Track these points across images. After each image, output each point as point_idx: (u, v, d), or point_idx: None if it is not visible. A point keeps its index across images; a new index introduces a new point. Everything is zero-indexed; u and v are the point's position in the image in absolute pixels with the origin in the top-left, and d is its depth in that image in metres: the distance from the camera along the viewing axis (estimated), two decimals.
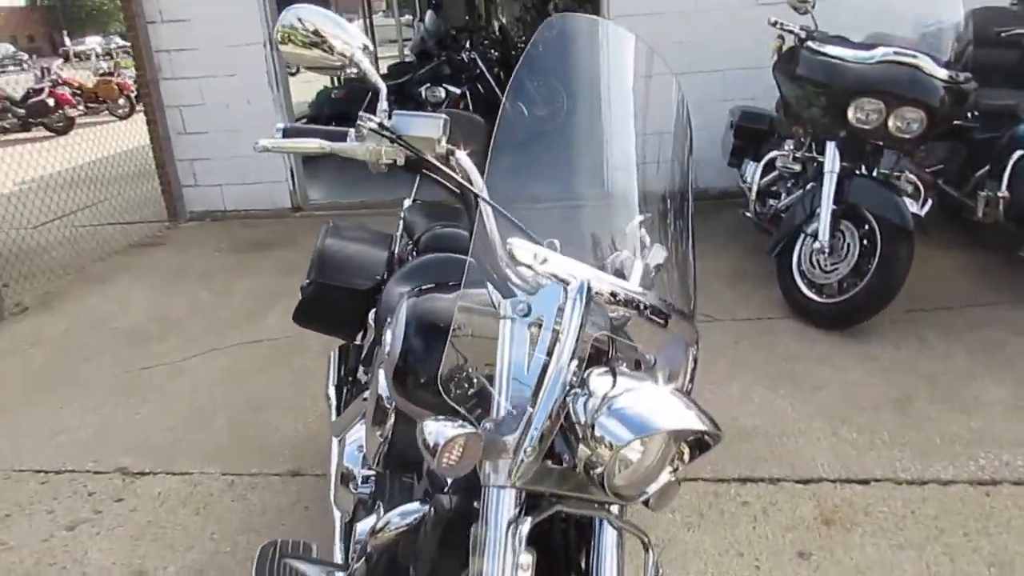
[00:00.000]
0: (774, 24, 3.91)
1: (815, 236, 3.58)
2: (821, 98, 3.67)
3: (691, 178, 1.66)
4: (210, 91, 6.09)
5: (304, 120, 8.15)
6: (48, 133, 13.15)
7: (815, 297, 3.64)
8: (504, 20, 14.93)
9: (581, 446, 1.15)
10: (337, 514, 1.94)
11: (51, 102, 13.12)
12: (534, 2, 13.42)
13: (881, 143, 3.63)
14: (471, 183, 1.23)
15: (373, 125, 1.22)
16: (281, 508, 2.60)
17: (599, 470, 1.14)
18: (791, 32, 3.85)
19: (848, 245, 3.54)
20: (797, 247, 3.74)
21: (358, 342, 2.41)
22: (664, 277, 1.53)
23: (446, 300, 1.42)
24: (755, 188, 4.25)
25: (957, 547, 2.20)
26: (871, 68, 3.51)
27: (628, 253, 1.50)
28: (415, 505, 1.40)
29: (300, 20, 1.27)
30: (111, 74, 15.09)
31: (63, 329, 4.37)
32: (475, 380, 1.23)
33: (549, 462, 1.20)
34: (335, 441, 2.13)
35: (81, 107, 14.07)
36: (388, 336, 1.47)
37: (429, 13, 9.86)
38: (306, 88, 9.38)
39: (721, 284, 4.23)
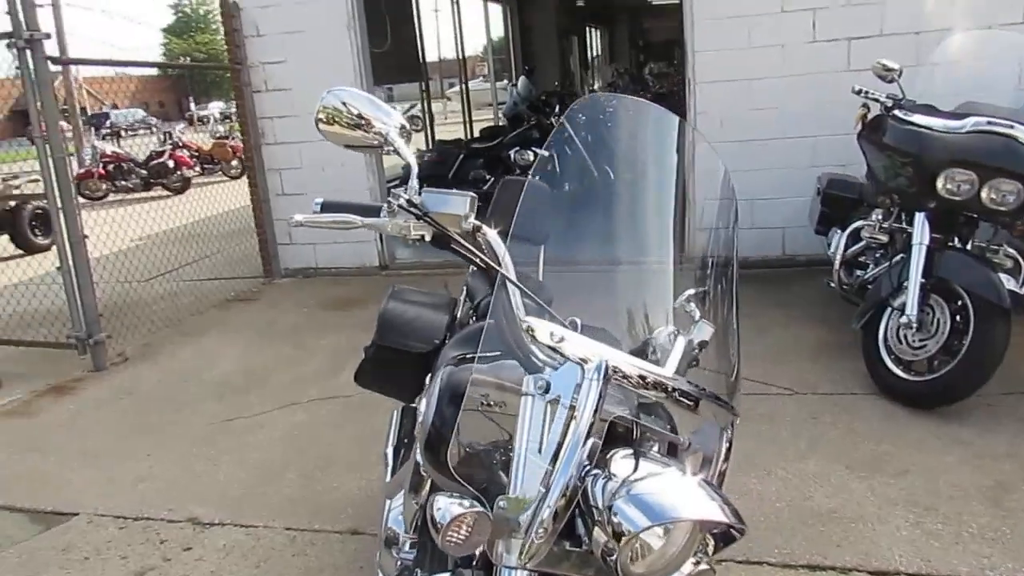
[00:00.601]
0: (858, 92, 3.83)
1: (902, 310, 3.42)
2: (908, 168, 3.54)
3: (736, 254, 1.64)
4: (307, 155, 6.40)
5: (395, 183, 8.44)
6: (166, 192, 14.08)
7: (902, 374, 3.46)
8: (596, 85, 15.17)
9: (597, 529, 1.13)
10: None
11: (171, 164, 14.06)
12: (627, 68, 13.61)
13: (975, 215, 3.46)
14: (497, 260, 1.26)
15: (402, 202, 1.26)
16: (337, 566, 2.62)
17: (615, 556, 1.11)
18: (876, 100, 3.76)
19: (938, 321, 3.36)
20: (884, 321, 3.58)
21: (416, 404, 2.44)
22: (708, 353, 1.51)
23: (494, 370, 1.43)
24: (839, 257, 4.11)
25: None
26: (962, 138, 3.37)
27: (672, 329, 1.48)
28: None
29: (344, 103, 1.33)
30: (226, 137, 16.07)
31: (157, 380, 4.60)
32: (494, 456, 1.23)
33: (567, 544, 1.18)
34: (387, 503, 2.14)
35: (197, 168, 15.02)
36: (422, 405, 1.48)
37: (522, 78, 10.14)
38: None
39: (803, 356, 4.09)
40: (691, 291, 1.62)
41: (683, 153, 1.64)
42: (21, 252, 9.07)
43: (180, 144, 14.85)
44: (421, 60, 11.81)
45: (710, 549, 1.22)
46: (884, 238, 3.82)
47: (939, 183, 3.35)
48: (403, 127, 1.37)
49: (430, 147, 9.51)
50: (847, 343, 3.91)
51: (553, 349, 1.14)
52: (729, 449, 1.40)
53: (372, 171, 6.39)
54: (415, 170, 1.35)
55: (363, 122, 1.34)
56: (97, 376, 4.73)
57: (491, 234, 1.30)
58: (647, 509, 1.09)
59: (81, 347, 4.73)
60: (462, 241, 1.27)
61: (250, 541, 2.83)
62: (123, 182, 14.11)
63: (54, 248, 4.82)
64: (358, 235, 6.45)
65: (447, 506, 1.08)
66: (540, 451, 1.14)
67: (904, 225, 3.71)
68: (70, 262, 4.60)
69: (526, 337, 1.17)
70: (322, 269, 6.64)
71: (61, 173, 4.42)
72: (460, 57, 14.49)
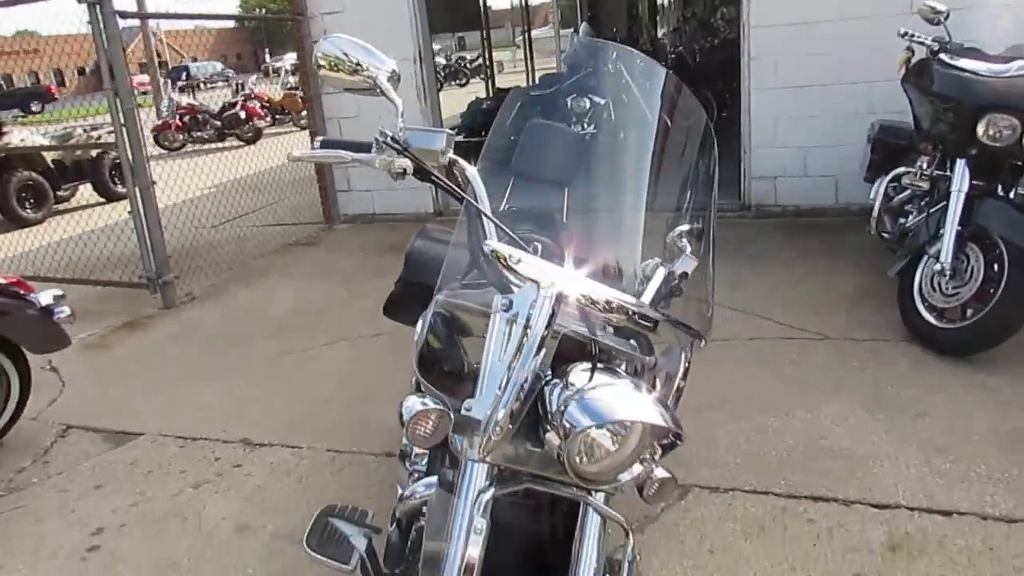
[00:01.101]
0: (904, 35, 3.76)
1: (938, 257, 3.41)
2: (950, 113, 3.48)
3: (715, 195, 1.74)
4: (365, 104, 6.56)
5: (455, 129, 8.57)
6: (239, 143, 14.55)
7: (935, 321, 3.45)
8: (660, 32, 14.88)
9: (551, 431, 1.27)
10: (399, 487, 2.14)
11: (242, 115, 14.50)
12: (694, 12, 13.29)
13: (1019, 163, 3.39)
14: (474, 192, 1.38)
15: (387, 139, 1.40)
16: (371, 483, 2.85)
17: (568, 453, 1.24)
18: (922, 43, 3.68)
19: (973, 269, 3.34)
20: (920, 269, 3.56)
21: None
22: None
23: (472, 295, 1.57)
24: (877, 205, 4.08)
25: None
26: (1006, 82, 3.30)
27: (657, 260, 1.60)
28: (432, 478, 1.56)
29: (343, 50, 1.47)
30: (296, 88, 16.42)
31: (220, 317, 4.92)
32: (466, 366, 1.38)
33: (529, 445, 1.32)
34: None
35: (268, 119, 15.44)
36: (419, 325, 1.64)
37: (583, 25, 10.07)
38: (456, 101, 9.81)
39: (843, 304, 4.10)
40: (684, 227, 1.72)
41: (666, 100, 1.73)
42: (103, 200, 9.62)
43: (252, 95, 15.26)
44: (482, 9, 11.79)
45: (657, 455, 1.35)
46: (925, 185, 3.78)
47: (980, 129, 3.30)
48: (393, 72, 1.50)
49: (490, 95, 9.57)
50: (889, 292, 3.90)
51: (512, 270, 1.27)
52: (688, 369, 1.51)
53: (427, 118, 6.53)
54: (400, 109, 1.48)
55: (359, 67, 1.48)
56: (167, 314, 5.08)
57: (468, 168, 1.42)
58: (592, 411, 1.22)
59: (152, 287, 5.07)
60: (436, 174, 1.41)
61: (294, 460, 3.08)
62: (198, 133, 14.65)
63: None
64: (413, 182, 6.63)
65: (413, 404, 1.23)
66: (500, 361, 1.28)
67: (946, 172, 3.66)
68: (140, 207, 4.91)
69: (489, 259, 1.30)
70: (379, 216, 6.86)
71: (130, 123, 4.70)
72: (524, 4, 14.41)
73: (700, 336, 1.52)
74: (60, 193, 9.33)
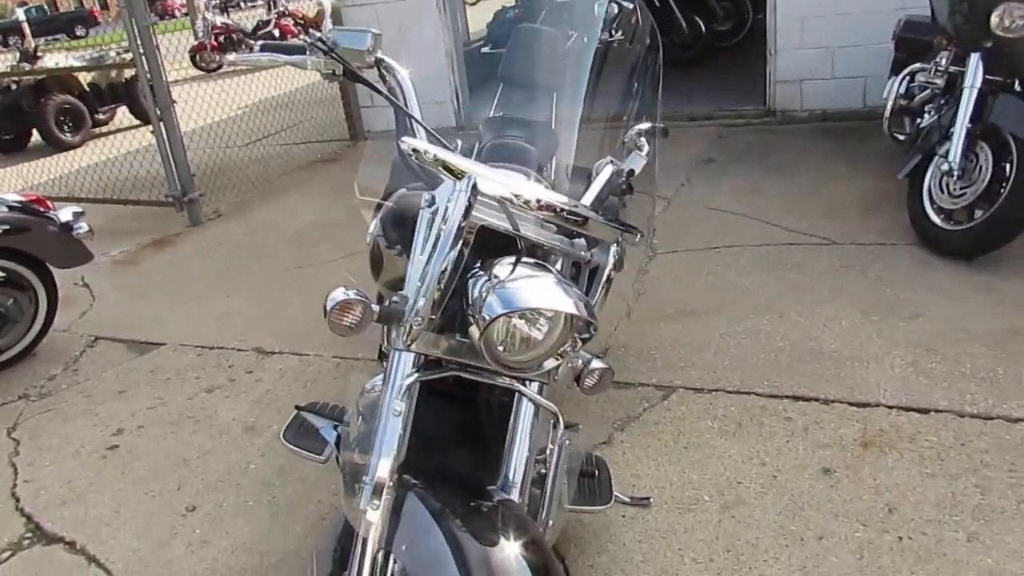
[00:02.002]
0: None
1: (946, 157, 3.31)
2: (964, 3, 3.32)
3: (660, 95, 1.74)
4: (385, 16, 6.50)
5: (479, 43, 8.42)
6: None
7: (942, 224, 3.38)
8: None
9: (473, 322, 1.33)
10: None
11: (276, 32, 14.43)
12: None
13: None
14: (403, 91, 1.41)
15: (316, 40, 1.43)
16: None
17: (485, 341, 1.30)
18: None
19: (981, 168, 3.24)
20: (930, 170, 3.47)
21: None
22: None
23: (410, 198, 1.62)
24: (890, 104, 3.95)
25: (995, 481, 2.10)
26: None
27: (608, 159, 1.63)
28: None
29: None
30: None
31: (243, 233, 5.06)
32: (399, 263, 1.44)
33: (459, 336, 1.39)
34: None
35: (303, 36, 15.34)
36: (370, 228, 1.70)
37: None
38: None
39: (855, 209, 4.03)
40: (644, 126, 1.74)
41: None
42: (139, 123, 9.77)
43: (286, 12, 15.14)
44: None
45: (578, 347, 1.40)
46: (941, 82, 3.64)
47: (994, 20, 3.14)
48: None
49: (514, 5, 9.32)
50: (904, 197, 3.82)
51: (427, 165, 1.31)
52: (618, 262, 1.54)
53: (448, 29, 6.44)
54: (329, 10, 1.51)
55: None
56: (194, 231, 5.24)
57: (397, 68, 1.45)
58: (506, 299, 1.27)
59: (178, 205, 5.22)
60: (359, 74, 1.44)
61: (302, 366, 3.22)
62: (234, 52, 14.65)
63: None
64: (437, 95, 6.60)
65: (336, 295, 1.30)
66: (421, 254, 1.34)
67: (963, 68, 3.51)
68: (162, 128, 5.01)
69: (409, 157, 1.34)
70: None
71: (145, 41, 4.76)
72: None
73: (635, 231, 1.55)
74: (98, 116, 9.51)
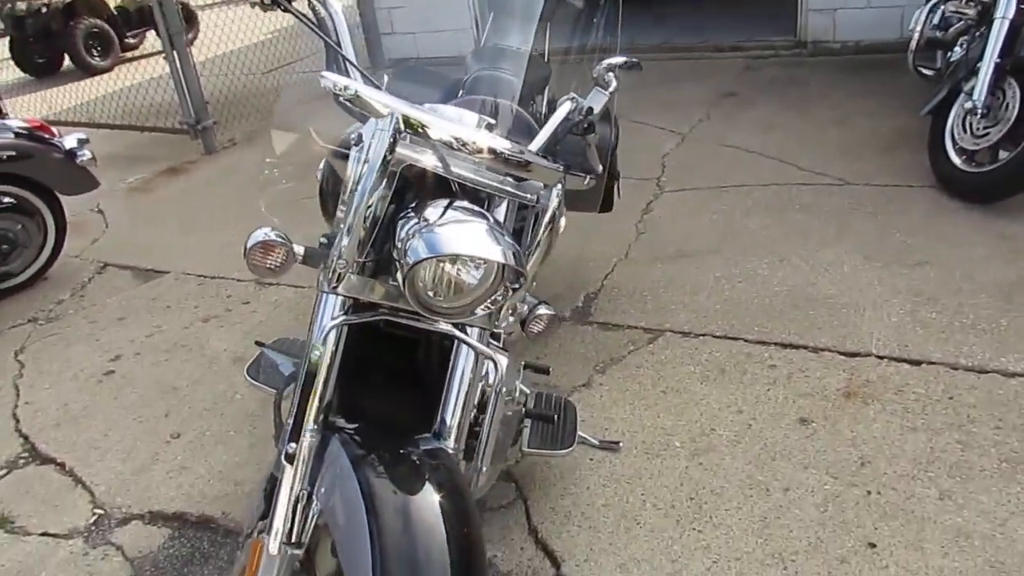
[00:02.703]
0: None
1: (971, 94, 3.13)
2: None
3: (619, 32, 1.66)
4: None
5: None
6: None
7: (962, 165, 3.22)
8: None
9: (397, 266, 1.28)
10: None
11: None
12: None
13: None
14: (334, 23, 1.35)
15: None
16: None
17: (411, 285, 1.26)
18: None
19: (1007, 105, 3.06)
20: (954, 108, 3.29)
21: None
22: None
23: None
24: (915, 36, 3.73)
25: (978, 437, 2.03)
26: None
27: (571, 96, 1.56)
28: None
29: None
30: None
31: (254, 161, 5.05)
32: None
33: (390, 281, 1.35)
34: None
35: None
36: (320, 164, 1.66)
37: None
38: None
39: (876, 147, 3.87)
40: (614, 60, 1.65)
41: None
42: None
43: None
44: None
45: (510, 296, 1.35)
46: (973, 12, 3.41)
47: None
48: None
49: None
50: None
51: (347, 102, 1.25)
52: (559, 205, 1.48)
53: None
54: None
55: None
56: (208, 159, 5.25)
57: (332, 3, 1.38)
58: (430, 244, 1.22)
59: (192, 132, 5.22)
60: (291, 7, 1.38)
61: (296, 298, 3.24)
62: None
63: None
64: (458, 23, 6.44)
65: (256, 235, 1.27)
66: (347, 193, 1.29)
67: None
68: (174, 54, 4.96)
69: (332, 93, 1.28)
70: (422, 58, 6.72)
71: None
72: None
73: (591, 172, 1.49)
74: (127, 40, 9.50)
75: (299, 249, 1.29)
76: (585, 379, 2.48)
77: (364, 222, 1.25)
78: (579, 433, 2.04)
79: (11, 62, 9.23)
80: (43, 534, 2.16)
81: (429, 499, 1.21)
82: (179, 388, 2.75)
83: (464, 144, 1.31)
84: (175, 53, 4.94)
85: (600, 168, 1.95)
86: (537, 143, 1.47)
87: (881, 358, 2.39)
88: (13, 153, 3.42)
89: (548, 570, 1.83)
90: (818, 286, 2.80)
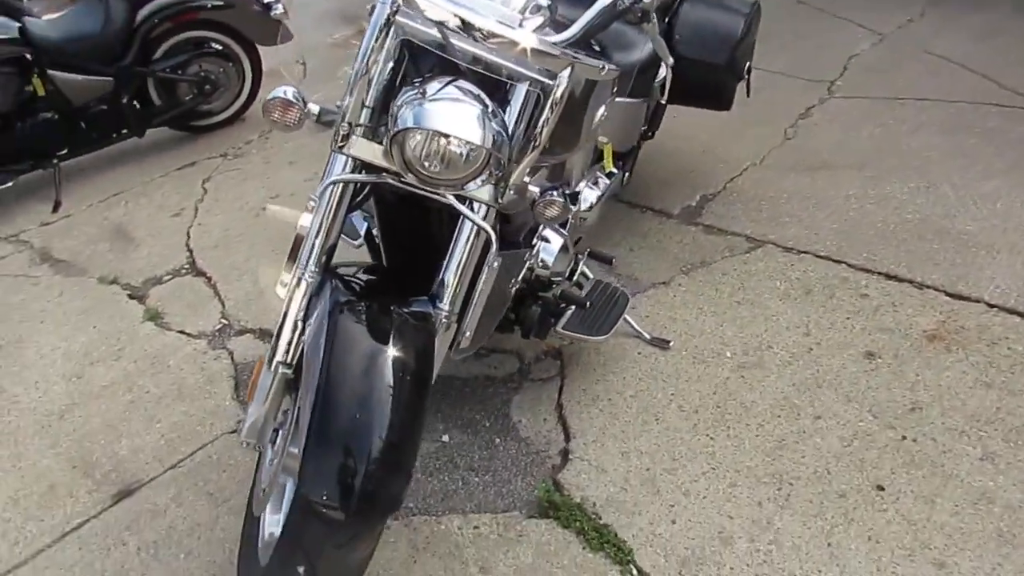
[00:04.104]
0: None
1: None
2: None
3: None
4: None
5: None
6: None
7: None
8: None
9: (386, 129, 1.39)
10: None
11: None
12: None
13: None
14: None
15: None
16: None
17: (398, 150, 1.36)
18: None
19: None
20: None
21: None
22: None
23: None
24: None
25: None
26: None
27: None
28: None
29: None
30: None
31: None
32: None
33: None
34: None
35: None
36: None
37: None
38: None
39: None
40: None
41: None
42: None
43: None
44: None
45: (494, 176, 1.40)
46: None
47: None
48: None
49: None
50: None
51: None
52: (565, 93, 1.47)
53: None
54: None
55: None
56: None
57: None
58: (416, 116, 1.31)
59: None
60: None
61: None
62: None
63: None
64: None
65: (276, 91, 1.42)
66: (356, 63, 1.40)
67: None
68: None
69: None
70: None
71: None
72: None
73: (599, 64, 1.49)
74: None
75: (314, 108, 1.42)
76: (667, 278, 2.48)
77: (367, 85, 1.36)
78: (631, 326, 2.08)
79: None
80: (180, 331, 2.59)
81: (391, 354, 1.34)
82: None
83: (466, 25, 1.36)
84: None
85: (671, 60, 1.90)
86: (570, 32, 1.47)
87: (992, 306, 2.17)
88: (219, 2, 3.82)
89: (560, 442, 1.94)
90: (956, 219, 2.54)
